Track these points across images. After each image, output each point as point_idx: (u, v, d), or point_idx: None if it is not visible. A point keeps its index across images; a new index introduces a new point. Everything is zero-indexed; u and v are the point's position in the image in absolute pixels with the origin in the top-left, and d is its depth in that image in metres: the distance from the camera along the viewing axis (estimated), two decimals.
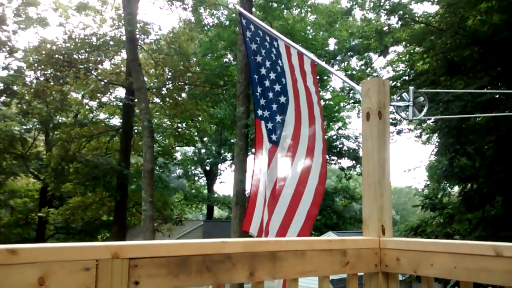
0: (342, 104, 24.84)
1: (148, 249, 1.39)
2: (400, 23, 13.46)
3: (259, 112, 3.34)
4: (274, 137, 3.26)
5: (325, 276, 1.82)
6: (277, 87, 3.29)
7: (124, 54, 18.91)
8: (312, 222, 3.07)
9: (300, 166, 3.13)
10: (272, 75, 3.32)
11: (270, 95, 3.31)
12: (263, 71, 3.35)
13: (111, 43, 18.06)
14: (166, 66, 18.83)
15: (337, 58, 20.94)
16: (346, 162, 26.37)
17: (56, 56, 16.21)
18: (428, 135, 17.33)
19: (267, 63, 3.34)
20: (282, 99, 3.26)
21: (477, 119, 11.26)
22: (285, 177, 3.17)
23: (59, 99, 17.64)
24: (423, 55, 12.44)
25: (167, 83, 19.61)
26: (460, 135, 10.65)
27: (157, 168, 22.03)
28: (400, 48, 16.31)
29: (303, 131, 3.16)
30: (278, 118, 3.27)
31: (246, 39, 3.42)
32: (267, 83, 3.34)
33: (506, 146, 10.31)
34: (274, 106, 3.30)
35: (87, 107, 21.27)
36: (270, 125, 3.29)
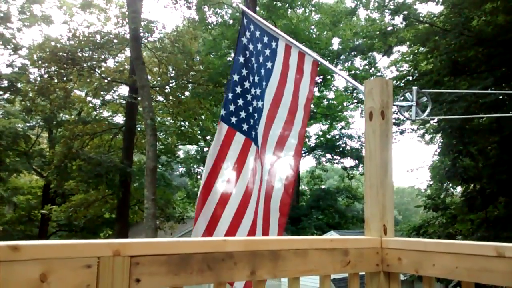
0: (345, 104, 24.84)
1: (150, 246, 1.39)
2: (404, 23, 13.44)
3: (223, 113, 3.28)
4: (253, 133, 3.21)
5: (326, 275, 1.82)
6: (258, 91, 3.24)
7: (128, 52, 18.92)
8: (282, 230, 2.94)
9: (265, 172, 3.06)
10: (256, 78, 3.26)
11: (249, 97, 3.27)
12: (244, 72, 3.31)
13: (115, 41, 18.06)
14: (170, 64, 18.83)
15: (341, 57, 20.92)
16: (348, 162, 26.42)
17: (60, 53, 16.21)
18: (431, 136, 17.30)
19: (250, 65, 3.30)
20: (260, 103, 3.20)
21: (481, 119, 11.23)
22: (254, 180, 3.12)
23: (62, 97, 17.65)
24: (427, 55, 12.41)
25: (171, 81, 19.60)
26: (463, 135, 10.63)
27: (160, 166, 22.05)
28: (404, 48, 16.30)
29: (272, 136, 3.07)
30: (252, 121, 3.23)
31: (241, 38, 3.41)
32: (246, 84, 3.30)
33: (509, 147, 10.28)
34: (250, 109, 3.25)
35: (90, 104, 21.29)
36: (245, 126, 3.25)
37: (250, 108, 3.24)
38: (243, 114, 3.26)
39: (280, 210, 2.94)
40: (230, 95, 3.29)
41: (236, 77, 3.31)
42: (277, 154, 3.04)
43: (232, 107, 3.27)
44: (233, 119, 3.26)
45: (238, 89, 3.29)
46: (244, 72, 3.31)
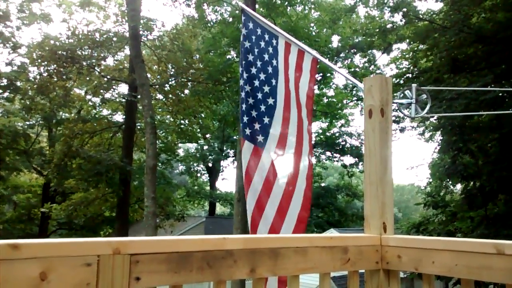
0: (345, 101, 24.81)
1: (149, 245, 1.39)
2: (404, 20, 13.43)
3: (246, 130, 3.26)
4: (260, 138, 3.17)
5: (326, 273, 1.83)
6: (266, 89, 3.23)
7: (127, 51, 18.90)
8: (304, 226, 3.00)
9: (287, 169, 3.10)
10: (262, 76, 3.24)
11: (259, 95, 3.26)
12: (254, 70, 3.30)
13: (114, 39, 18.06)
14: (169, 62, 18.82)
15: (341, 55, 20.85)
16: (348, 159, 26.38)
17: (59, 52, 16.22)
18: (431, 133, 17.28)
19: (258, 63, 3.29)
20: (270, 100, 3.20)
21: (481, 117, 11.22)
22: (273, 179, 3.13)
23: (62, 95, 17.66)
24: (426, 53, 12.41)
25: (170, 79, 19.60)
26: (463, 133, 10.63)
27: (160, 164, 22.03)
28: (403, 46, 16.26)
29: (290, 132, 3.12)
30: (266, 119, 3.22)
31: (244, 41, 3.40)
32: (256, 83, 3.28)
33: (509, 144, 10.28)
34: (263, 107, 3.24)
35: (90, 103, 21.29)
36: (257, 125, 3.23)
37: (262, 107, 3.23)
38: (257, 126, 3.24)
39: (302, 205, 3.00)
40: (244, 93, 3.27)
41: (246, 76, 3.29)
42: (295, 151, 3.08)
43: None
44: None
45: (249, 87, 3.27)
46: (254, 70, 3.29)
